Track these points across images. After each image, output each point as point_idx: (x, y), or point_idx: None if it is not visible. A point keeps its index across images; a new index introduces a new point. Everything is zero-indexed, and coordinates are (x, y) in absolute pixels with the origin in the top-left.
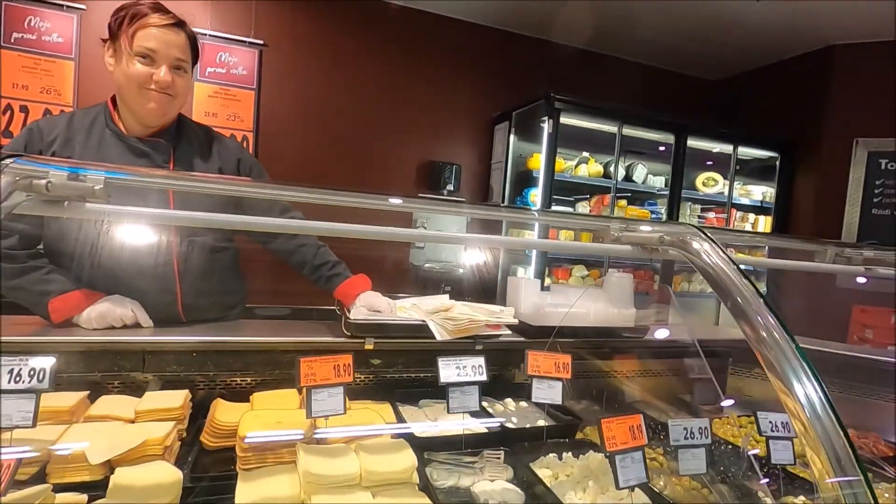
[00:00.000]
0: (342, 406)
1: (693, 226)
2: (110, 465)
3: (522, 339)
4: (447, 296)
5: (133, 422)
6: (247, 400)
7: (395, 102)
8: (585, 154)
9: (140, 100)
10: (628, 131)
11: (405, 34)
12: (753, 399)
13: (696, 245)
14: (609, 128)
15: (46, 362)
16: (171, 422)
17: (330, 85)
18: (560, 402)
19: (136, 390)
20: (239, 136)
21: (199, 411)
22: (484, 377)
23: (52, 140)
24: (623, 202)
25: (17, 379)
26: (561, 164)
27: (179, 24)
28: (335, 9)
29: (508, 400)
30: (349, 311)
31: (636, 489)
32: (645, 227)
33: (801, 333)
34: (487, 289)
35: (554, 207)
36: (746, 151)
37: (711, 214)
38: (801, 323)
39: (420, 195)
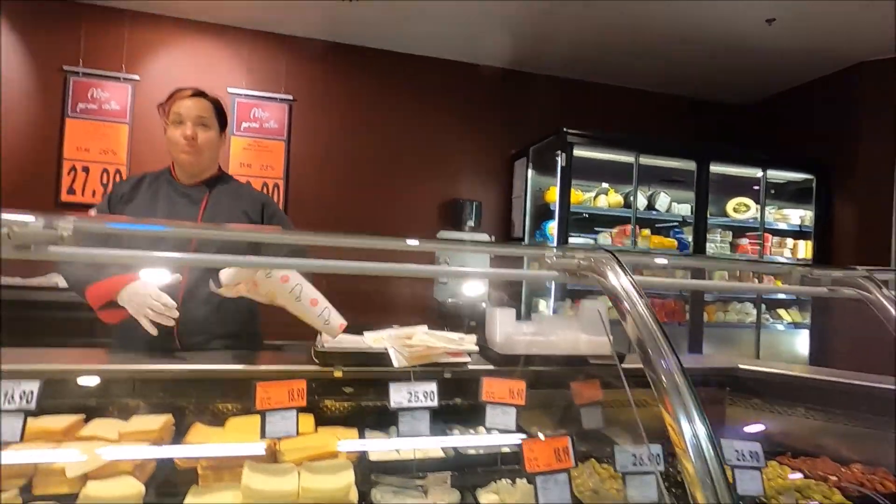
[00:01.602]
0: (294, 428)
1: (608, 251)
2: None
3: (492, 367)
4: (425, 326)
5: (117, 443)
6: None
7: (416, 146)
8: (605, 185)
9: (177, 155)
10: (646, 160)
11: (425, 81)
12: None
13: (605, 269)
14: (626, 158)
15: (34, 385)
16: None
17: (354, 133)
18: (514, 429)
19: (130, 414)
20: (271, 183)
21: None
22: (434, 403)
23: (119, 197)
24: (646, 231)
25: (10, 401)
26: (579, 196)
27: (200, 94)
28: (358, 63)
29: (481, 428)
30: (324, 343)
31: None
32: (570, 254)
33: (843, 366)
34: None
35: (573, 240)
36: (778, 174)
37: (745, 241)
38: (847, 356)
39: (437, 237)
